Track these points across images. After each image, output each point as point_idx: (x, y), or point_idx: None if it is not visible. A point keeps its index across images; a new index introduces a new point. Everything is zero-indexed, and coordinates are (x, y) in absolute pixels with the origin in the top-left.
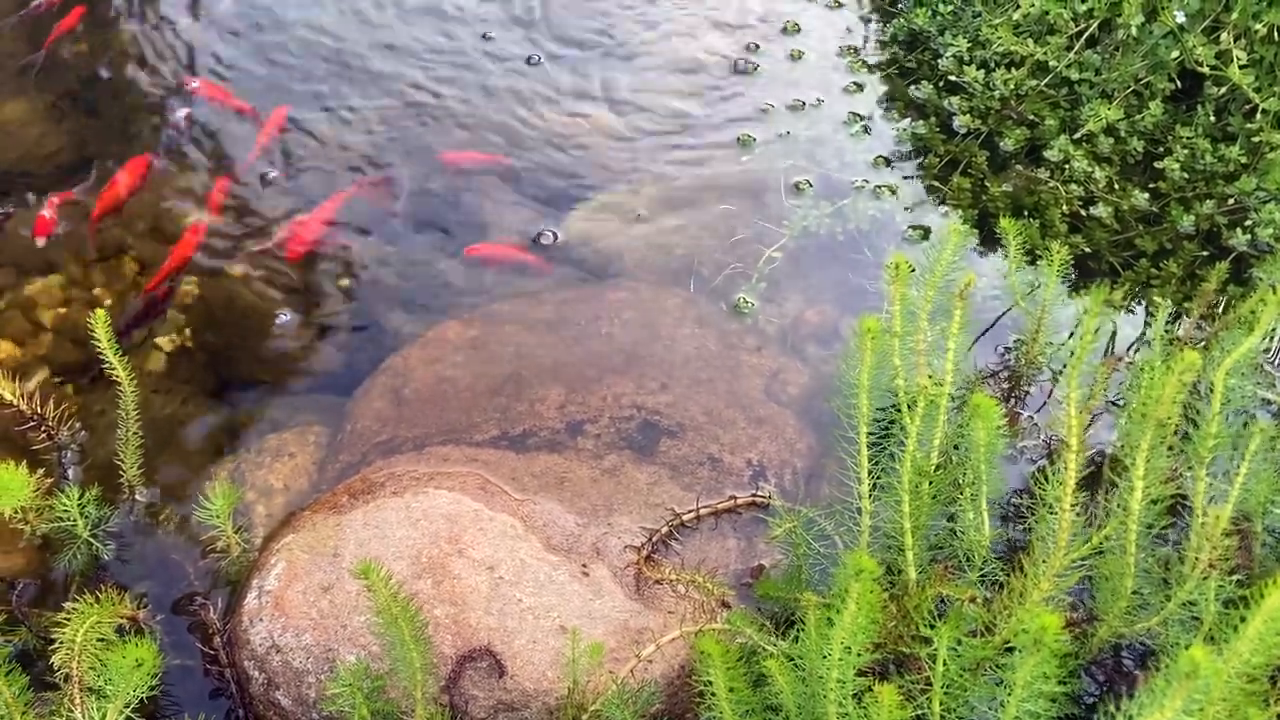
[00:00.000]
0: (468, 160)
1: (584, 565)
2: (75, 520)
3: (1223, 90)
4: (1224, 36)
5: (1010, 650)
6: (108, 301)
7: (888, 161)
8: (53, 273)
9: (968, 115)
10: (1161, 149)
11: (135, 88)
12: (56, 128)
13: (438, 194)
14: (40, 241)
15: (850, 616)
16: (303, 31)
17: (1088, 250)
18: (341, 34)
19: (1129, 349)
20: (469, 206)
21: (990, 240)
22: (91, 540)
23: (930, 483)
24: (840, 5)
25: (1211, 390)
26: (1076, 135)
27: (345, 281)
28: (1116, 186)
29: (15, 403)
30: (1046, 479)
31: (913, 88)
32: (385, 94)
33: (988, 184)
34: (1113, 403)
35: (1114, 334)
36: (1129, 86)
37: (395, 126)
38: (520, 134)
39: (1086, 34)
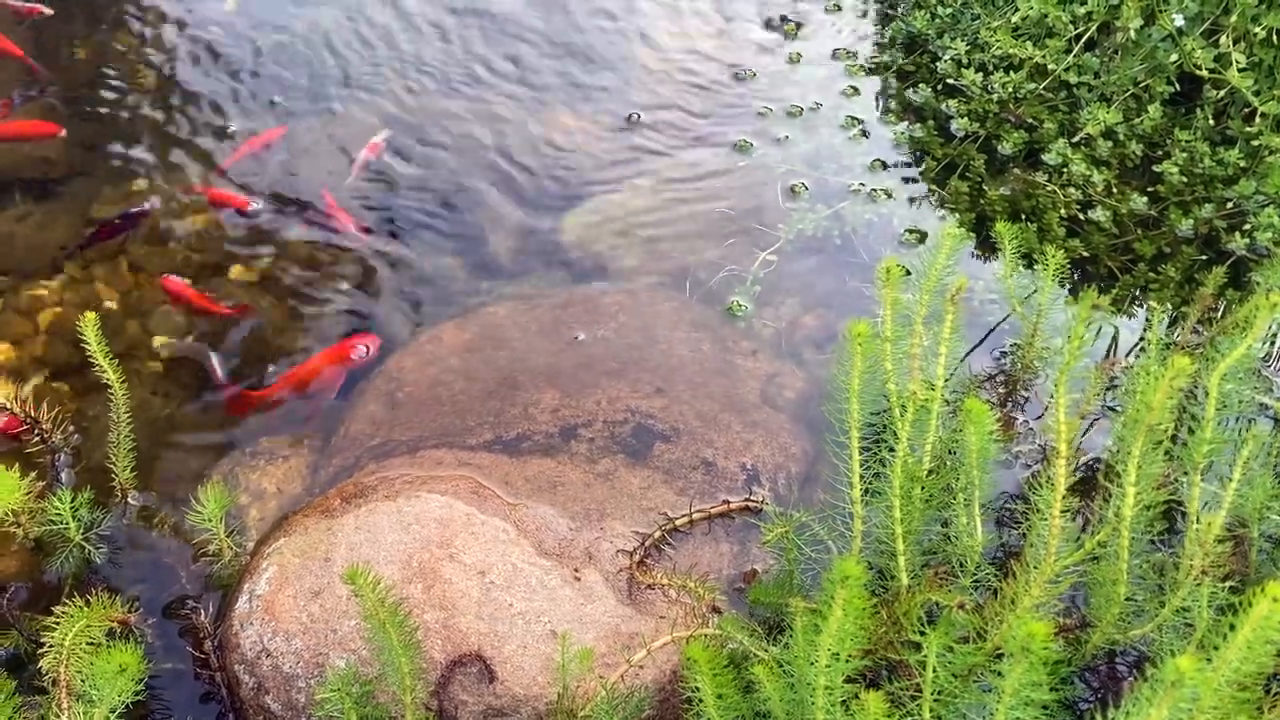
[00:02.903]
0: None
1: (576, 570)
2: (68, 523)
3: (1222, 94)
4: (1223, 40)
5: (1001, 657)
6: (107, 304)
7: (885, 165)
8: (55, 274)
9: (966, 118)
10: (1160, 152)
11: (134, 91)
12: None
13: (434, 197)
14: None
15: (837, 623)
16: (304, 35)
17: (1086, 254)
18: (340, 41)
19: (1127, 353)
20: (466, 211)
21: (988, 244)
22: (84, 543)
23: (922, 488)
24: (839, 8)
25: (1207, 395)
26: (1075, 138)
27: (340, 285)
28: (1115, 190)
29: (9, 406)
30: (1040, 484)
31: (911, 91)
32: (379, 96)
33: (985, 187)
34: (1110, 408)
35: (1115, 337)
36: (1128, 90)
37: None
38: (517, 138)
39: (1085, 37)
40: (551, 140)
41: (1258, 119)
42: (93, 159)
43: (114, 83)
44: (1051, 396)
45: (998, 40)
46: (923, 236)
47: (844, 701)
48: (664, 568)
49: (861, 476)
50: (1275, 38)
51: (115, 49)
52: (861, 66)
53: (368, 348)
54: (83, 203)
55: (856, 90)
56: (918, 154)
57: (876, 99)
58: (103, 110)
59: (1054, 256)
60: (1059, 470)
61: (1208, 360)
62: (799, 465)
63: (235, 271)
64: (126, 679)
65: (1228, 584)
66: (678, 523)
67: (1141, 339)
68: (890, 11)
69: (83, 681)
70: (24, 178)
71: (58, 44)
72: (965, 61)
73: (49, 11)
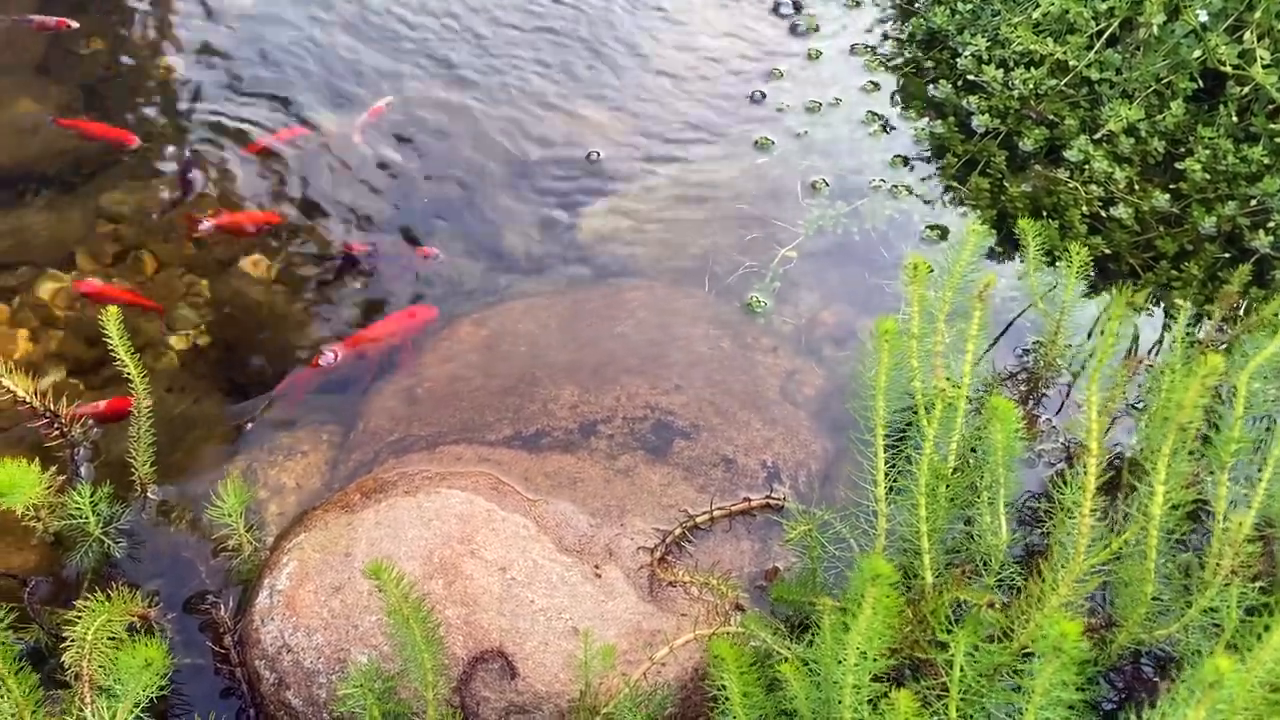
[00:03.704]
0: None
1: (597, 566)
2: (87, 518)
3: (1245, 90)
4: (1247, 36)
5: (1028, 656)
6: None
7: (905, 161)
8: (70, 268)
9: (986, 115)
10: (1183, 149)
11: (148, 86)
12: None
13: (452, 194)
14: None
15: (866, 622)
16: (321, 31)
17: (1108, 251)
18: (358, 38)
19: (1149, 351)
20: (484, 207)
21: (1009, 241)
22: (103, 538)
23: (947, 486)
24: (858, 4)
25: (1234, 394)
26: (1097, 135)
27: (356, 282)
28: (1137, 187)
29: (29, 400)
30: (1065, 483)
31: (931, 87)
32: (395, 93)
33: (1006, 184)
34: (1133, 405)
35: (1136, 336)
36: (1150, 86)
37: (401, 123)
38: (535, 134)
39: (1107, 33)
40: (569, 136)
41: None
42: (106, 153)
43: (128, 76)
44: (1079, 393)
45: (1018, 36)
46: (944, 233)
47: (871, 700)
48: (685, 565)
49: (886, 475)
50: None
51: (129, 43)
52: (881, 62)
53: (430, 319)
54: (98, 196)
55: (876, 86)
56: (938, 150)
57: (896, 95)
58: (116, 104)
59: (1078, 254)
60: (1090, 469)
61: (1234, 359)
62: (819, 463)
63: (248, 266)
64: (151, 673)
65: (1257, 585)
66: (698, 520)
67: (1163, 337)
68: (910, 7)
69: (105, 676)
70: (40, 172)
71: (72, 37)
72: (986, 57)
73: (76, 25)
